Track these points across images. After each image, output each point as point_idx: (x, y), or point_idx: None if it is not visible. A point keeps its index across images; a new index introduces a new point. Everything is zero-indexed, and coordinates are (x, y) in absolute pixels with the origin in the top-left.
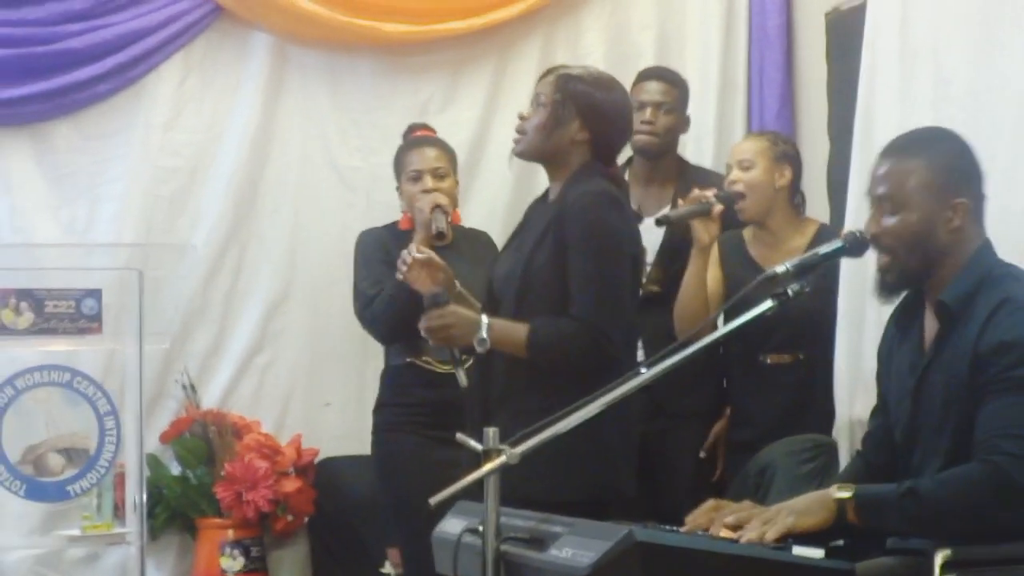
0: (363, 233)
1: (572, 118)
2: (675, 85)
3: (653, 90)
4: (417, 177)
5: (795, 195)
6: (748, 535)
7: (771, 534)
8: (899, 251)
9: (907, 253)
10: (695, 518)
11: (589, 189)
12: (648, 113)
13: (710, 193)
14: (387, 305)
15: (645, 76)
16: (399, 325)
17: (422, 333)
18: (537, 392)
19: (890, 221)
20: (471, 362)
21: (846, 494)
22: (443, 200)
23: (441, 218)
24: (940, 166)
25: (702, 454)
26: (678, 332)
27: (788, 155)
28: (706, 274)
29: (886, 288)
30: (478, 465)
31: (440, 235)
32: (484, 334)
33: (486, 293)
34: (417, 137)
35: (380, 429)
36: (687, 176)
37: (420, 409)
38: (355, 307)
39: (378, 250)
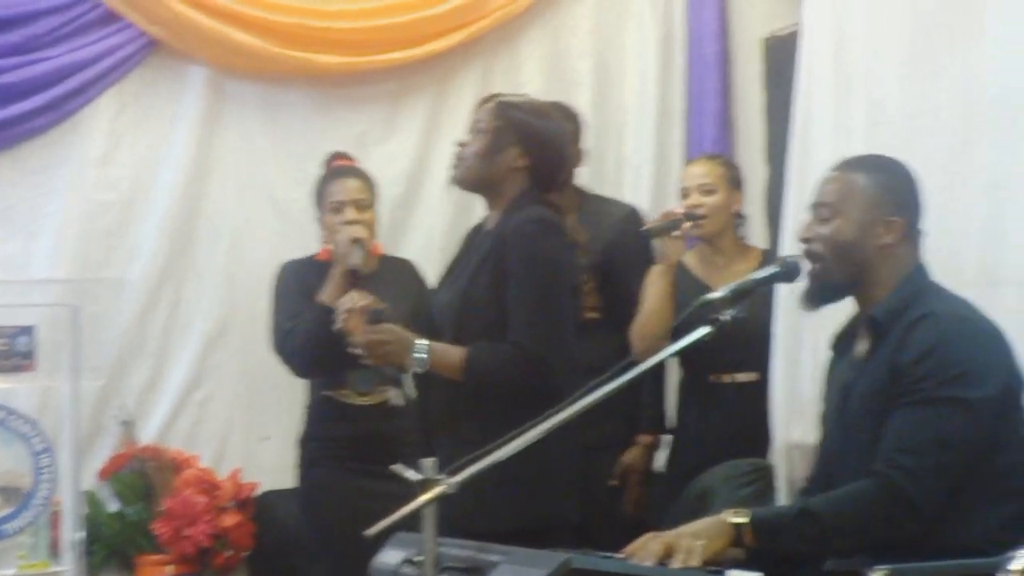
0: (283, 266)
1: (511, 145)
2: (569, 119)
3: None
4: (339, 208)
5: (740, 220)
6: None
7: (695, 561)
8: (826, 258)
9: (834, 261)
10: (633, 551)
11: (528, 217)
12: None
13: (679, 211)
14: (304, 339)
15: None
16: (316, 359)
17: (358, 349)
18: (476, 420)
19: (823, 228)
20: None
21: (742, 519)
22: (362, 234)
23: (358, 252)
24: (881, 184)
25: (613, 482)
26: (639, 352)
27: (739, 180)
28: (670, 293)
29: (811, 296)
30: (414, 496)
31: (355, 270)
32: (423, 354)
33: (428, 323)
34: (339, 167)
35: (301, 463)
36: (585, 206)
37: (338, 443)
38: (272, 341)
39: (296, 282)
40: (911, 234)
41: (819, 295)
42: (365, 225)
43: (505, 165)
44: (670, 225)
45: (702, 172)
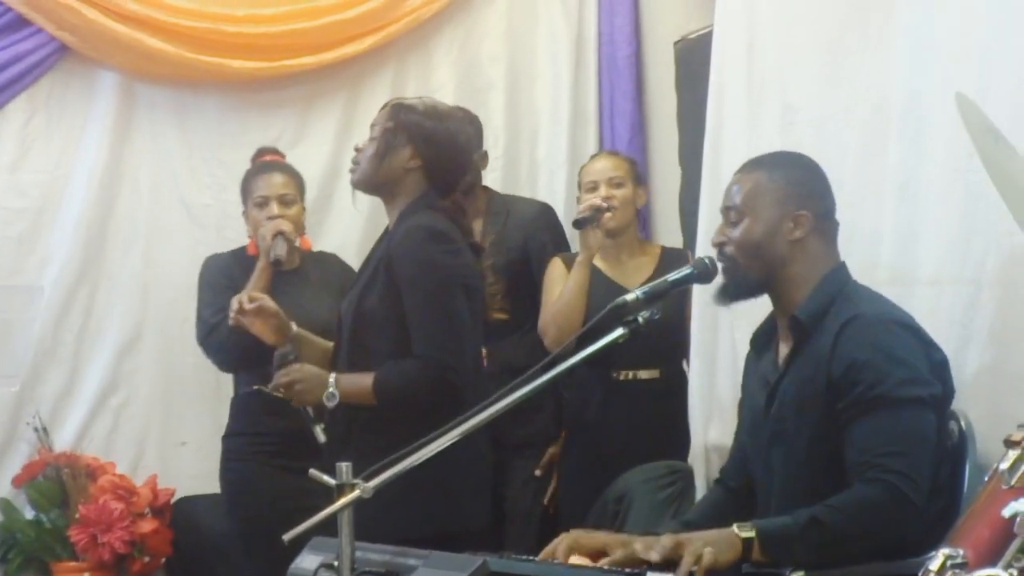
0: (208, 259)
1: (403, 146)
2: (470, 123)
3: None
4: (263, 203)
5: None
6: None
7: (688, 557)
8: (739, 259)
9: (747, 261)
10: (550, 551)
11: (413, 224)
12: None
13: (599, 201)
14: (229, 333)
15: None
16: (242, 353)
17: (274, 392)
18: (376, 433)
19: (734, 231)
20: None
21: (750, 533)
22: (286, 227)
23: (281, 245)
24: (785, 179)
25: (537, 472)
26: (552, 341)
27: (641, 177)
28: (587, 284)
29: (725, 292)
30: (331, 500)
31: (278, 262)
32: (332, 389)
33: (336, 326)
34: (264, 162)
35: (228, 458)
36: (494, 205)
37: (267, 438)
38: (197, 334)
39: (222, 276)
40: (822, 227)
41: (733, 291)
42: (290, 220)
43: (398, 166)
44: (596, 214)
45: (610, 166)
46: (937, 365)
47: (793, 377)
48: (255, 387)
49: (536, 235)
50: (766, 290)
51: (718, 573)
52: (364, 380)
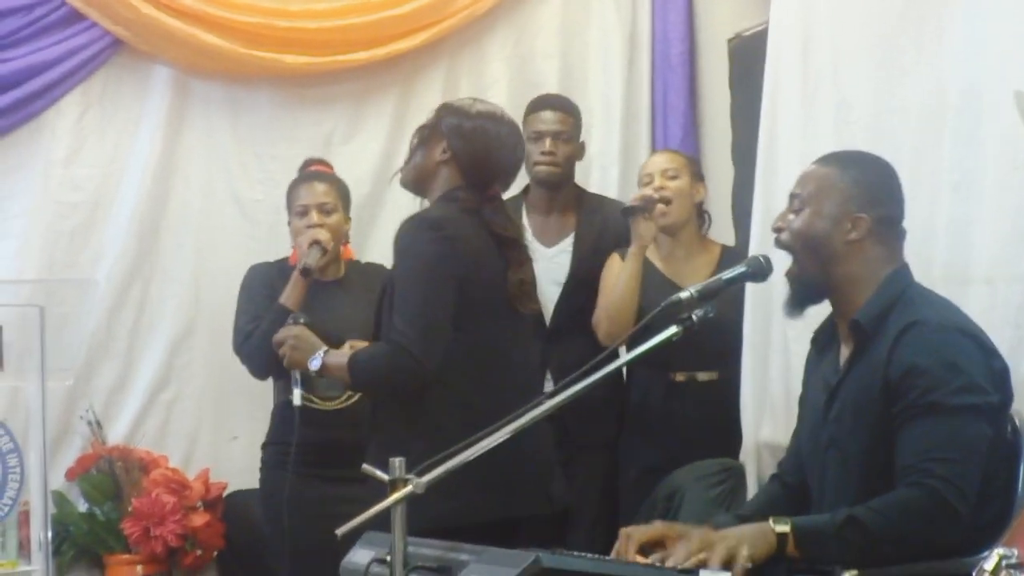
0: (251, 268)
1: (437, 141)
2: (570, 113)
3: (549, 120)
4: (304, 212)
5: (703, 215)
6: (687, 559)
7: (715, 560)
8: (796, 249)
9: (803, 252)
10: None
11: (415, 215)
12: (547, 143)
13: (650, 192)
14: (262, 341)
15: (539, 105)
16: (273, 362)
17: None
18: (398, 425)
19: (794, 220)
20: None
21: (785, 528)
22: (323, 236)
23: (314, 253)
24: (853, 179)
25: None
26: (606, 334)
27: (701, 174)
28: (640, 275)
29: (794, 299)
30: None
31: (307, 271)
32: (318, 357)
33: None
34: (308, 172)
35: (264, 467)
36: (585, 204)
37: (300, 448)
38: (233, 342)
39: (263, 286)
40: (881, 232)
41: (799, 297)
42: (329, 229)
43: (432, 160)
44: (646, 204)
45: (666, 159)
46: (997, 373)
47: (853, 381)
48: (287, 398)
49: (625, 235)
50: (826, 292)
51: (756, 568)
52: (343, 357)
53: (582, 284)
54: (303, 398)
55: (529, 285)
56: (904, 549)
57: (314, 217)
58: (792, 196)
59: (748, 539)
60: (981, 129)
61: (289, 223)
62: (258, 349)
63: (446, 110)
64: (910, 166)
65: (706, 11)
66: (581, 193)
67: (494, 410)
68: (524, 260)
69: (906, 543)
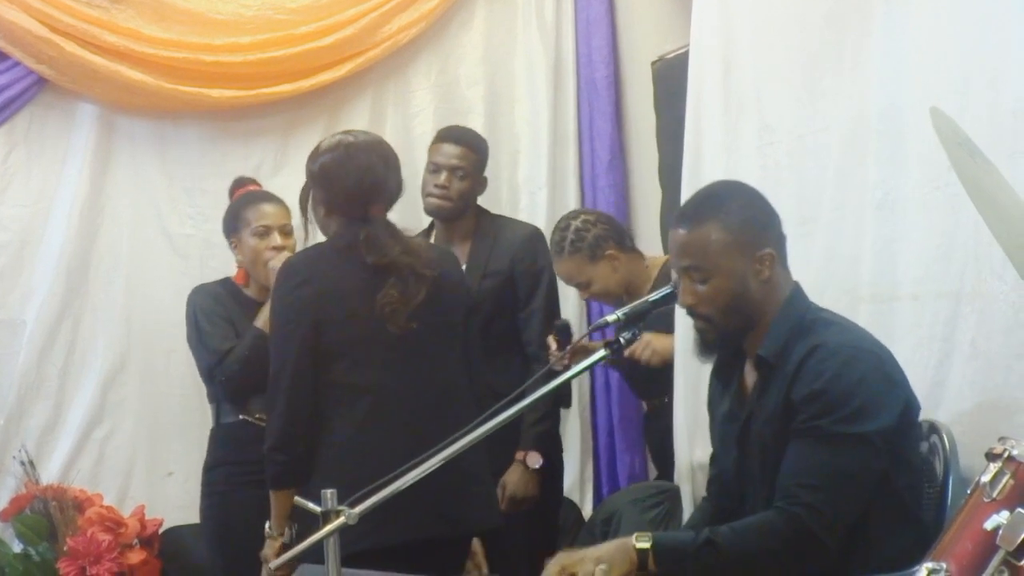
0: (196, 290)
1: (320, 215)
2: (473, 149)
3: (449, 153)
4: (265, 232)
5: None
6: None
7: None
8: (716, 317)
9: (724, 317)
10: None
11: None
12: (443, 177)
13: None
14: (242, 364)
15: (444, 137)
16: (251, 384)
17: None
18: None
19: (702, 289)
20: None
21: (645, 544)
22: None
23: None
24: (735, 223)
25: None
26: None
27: (600, 240)
28: None
29: (706, 348)
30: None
31: None
32: None
33: None
34: (257, 192)
35: (214, 491)
36: (479, 230)
37: (256, 467)
38: (203, 363)
39: (218, 305)
40: (782, 255)
41: (714, 346)
42: (290, 251)
43: (317, 214)
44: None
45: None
46: (894, 397)
47: (761, 412)
48: (241, 417)
49: (523, 260)
50: (747, 334)
51: None
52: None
53: (480, 309)
54: (254, 418)
55: (398, 304)
56: (762, 572)
57: (278, 238)
58: (684, 270)
59: (607, 557)
60: (903, 148)
61: (233, 243)
62: (239, 372)
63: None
64: (834, 186)
65: (629, 34)
66: (481, 219)
67: (375, 443)
68: (397, 282)
69: (762, 568)
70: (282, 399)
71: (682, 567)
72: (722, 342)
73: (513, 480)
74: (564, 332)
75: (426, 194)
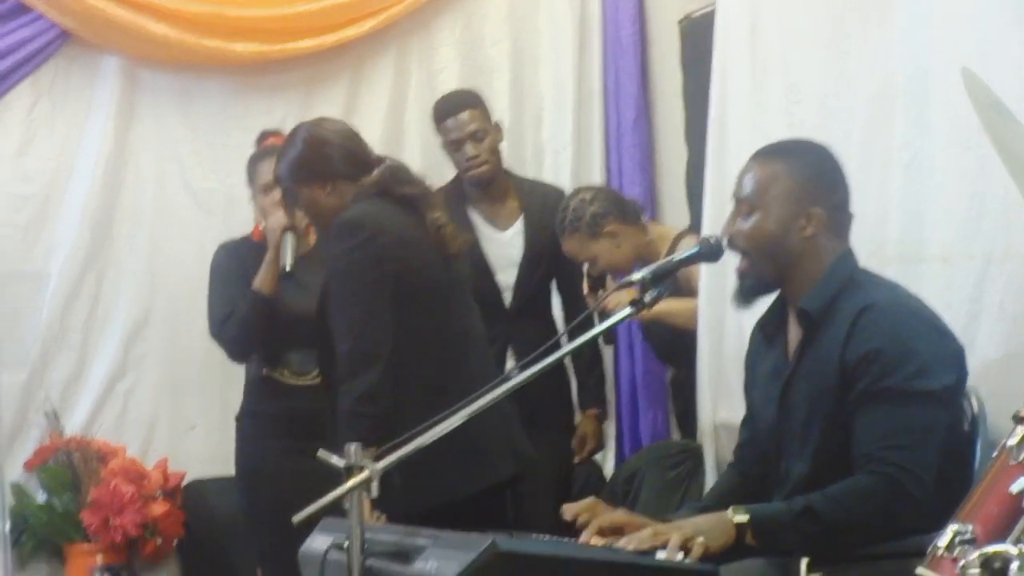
0: (219, 248)
1: (307, 187)
2: (474, 106)
3: (458, 124)
4: (268, 188)
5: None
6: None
7: (672, 546)
8: (752, 254)
9: (759, 256)
10: (576, 509)
11: (333, 225)
12: (469, 148)
13: None
14: (240, 327)
15: (443, 113)
16: (252, 344)
17: None
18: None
19: (745, 223)
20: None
21: (743, 518)
22: (287, 222)
23: (288, 252)
24: (800, 173)
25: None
26: None
27: (598, 217)
28: None
29: (743, 293)
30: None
31: (289, 274)
32: None
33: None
34: (269, 146)
35: (239, 439)
36: (522, 187)
37: (273, 420)
38: (210, 327)
39: (234, 263)
40: (835, 221)
41: (749, 292)
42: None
43: (322, 205)
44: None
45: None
46: (952, 355)
47: (805, 369)
48: (264, 372)
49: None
50: (780, 286)
51: (715, 557)
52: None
53: (537, 263)
54: (278, 372)
55: (447, 224)
56: (861, 537)
57: (279, 194)
58: (738, 200)
59: (706, 529)
60: (931, 108)
61: (253, 198)
62: (237, 335)
63: (278, 175)
64: (861, 147)
65: None
66: (512, 176)
67: (460, 387)
68: (430, 205)
69: (863, 531)
70: (371, 351)
71: (780, 538)
72: (756, 286)
73: (591, 432)
74: (598, 278)
75: (464, 171)
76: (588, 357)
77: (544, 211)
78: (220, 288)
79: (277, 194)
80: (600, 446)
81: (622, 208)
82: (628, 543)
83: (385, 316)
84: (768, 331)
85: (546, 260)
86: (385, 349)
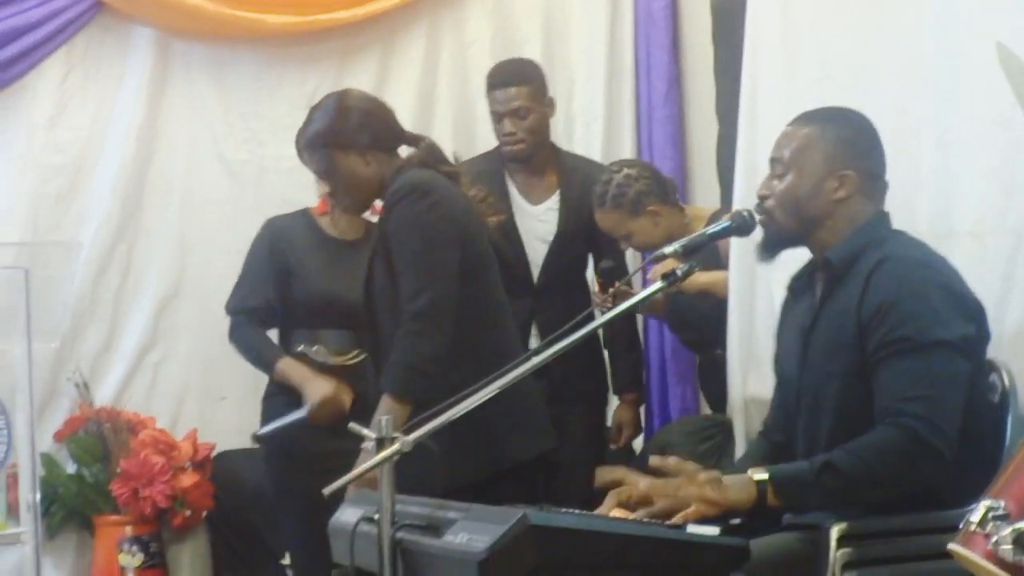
0: (265, 224)
1: (344, 157)
2: (525, 82)
3: (504, 99)
4: None
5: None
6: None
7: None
8: (777, 215)
9: (784, 215)
10: (606, 478)
11: (394, 189)
12: (507, 124)
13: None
14: (243, 351)
15: (493, 84)
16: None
17: None
18: None
19: (778, 185)
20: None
21: (763, 476)
22: (331, 393)
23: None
24: (835, 136)
25: (613, 446)
26: None
27: (641, 195)
28: None
29: (766, 246)
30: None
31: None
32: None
33: (364, 310)
34: None
35: (266, 417)
36: (564, 163)
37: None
38: (228, 304)
39: (267, 252)
40: (867, 187)
41: (773, 243)
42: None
43: (361, 175)
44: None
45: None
46: (969, 307)
47: (825, 323)
48: (300, 349)
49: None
50: (804, 241)
51: (746, 522)
52: (385, 404)
53: (570, 241)
54: (312, 352)
55: (487, 197)
56: (885, 491)
57: None
58: (773, 161)
59: (727, 488)
60: (963, 83)
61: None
62: (239, 346)
63: (309, 145)
64: (893, 121)
65: None
66: (557, 151)
67: (507, 353)
68: (465, 184)
69: (886, 485)
70: (443, 312)
71: (802, 496)
72: (775, 239)
73: (628, 420)
74: (608, 274)
75: (501, 144)
76: (625, 341)
77: (584, 190)
78: (248, 274)
79: None
80: (637, 432)
81: (664, 188)
82: (657, 513)
83: (455, 279)
84: (796, 289)
85: (581, 239)
86: (452, 312)
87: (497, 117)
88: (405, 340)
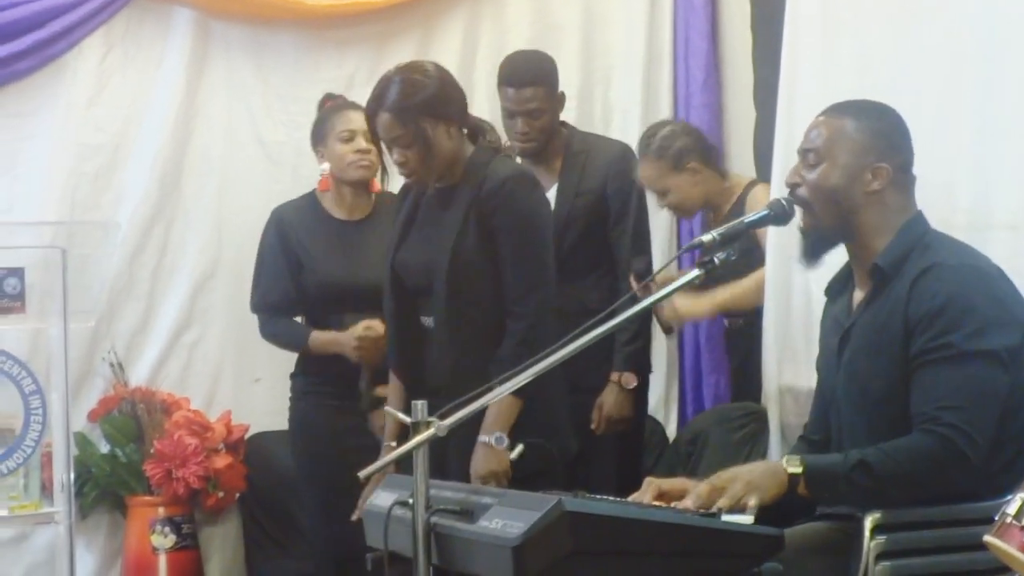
0: (272, 213)
1: (433, 128)
2: (538, 83)
3: (516, 99)
4: (350, 137)
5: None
6: (696, 502)
7: (724, 502)
8: (814, 205)
9: (822, 208)
10: (639, 496)
11: (507, 175)
12: (520, 124)
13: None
14: (277, 343)
15: (504, 82)
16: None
17: None
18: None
19: (810, 174)
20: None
21: (797, 468)
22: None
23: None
24: (868, 129)
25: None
26: None
27: (684, 152)
28: None
29: (807, 251)
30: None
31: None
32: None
33: (390, 284)
34: (342, 101)
35: (292, 396)
36: (571, 147)
37: (327, 379)
38: (252, 301)
39: (280, 241)
40: (900, 180)
41: (814, 248)
42: (373, 157)
43: (445, 148)
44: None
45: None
46: (1016, 315)
47: (867, 322)
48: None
49: (615, 178)
50: (843, 240)
51: (777, 509)
52: (504, 403)
53: (568, 228)
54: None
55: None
56: (913, 494)
57: (362, 142)
58: (805, 151)
59: (758, 481)
60: (1002, 73)
61: (320, 151)
62: (270, 338)
63: (400, 109)
64: (932, 111)
65: None
66: (570, 135)
67: None
68: None
69: (915, 488)
70: (551, 308)
71: (833, 490)
72: (819, 242)
73: (610, 401)
74: (644, 272)
75: (512, 139)
76: (636, 327)
77: (587, 169)
78: (266, 266)
79: (360, 141)
80: (622, 416)
81: (708, 149)
82: (687, 502)
83: (554, 271)
84: (833, 292)
85: (579, 225)
86: (554, 304)
87: (509, 114)
88: (517, 347)
